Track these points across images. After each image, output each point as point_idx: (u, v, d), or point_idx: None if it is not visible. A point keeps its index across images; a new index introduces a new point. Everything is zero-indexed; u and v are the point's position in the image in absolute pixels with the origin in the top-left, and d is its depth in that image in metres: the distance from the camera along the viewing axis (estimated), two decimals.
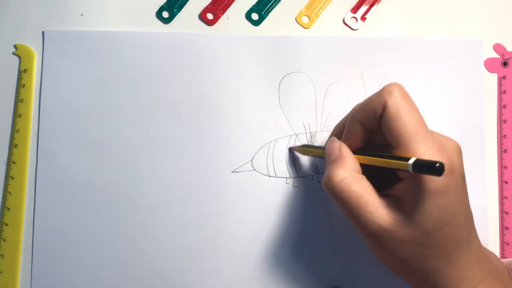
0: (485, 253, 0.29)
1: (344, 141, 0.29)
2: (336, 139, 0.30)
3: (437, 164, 0.23)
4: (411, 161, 0.24)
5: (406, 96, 0.27)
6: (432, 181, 0.25)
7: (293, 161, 0.36)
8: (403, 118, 0.26)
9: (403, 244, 0.26)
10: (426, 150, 0.25)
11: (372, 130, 0.29)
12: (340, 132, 0.31)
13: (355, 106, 0.30)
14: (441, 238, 0.26)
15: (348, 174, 0.27)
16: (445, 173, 0.25)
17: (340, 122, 0.32)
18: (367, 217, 0.26)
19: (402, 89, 0.27)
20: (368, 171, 0.28)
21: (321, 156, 0.31)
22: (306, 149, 0.34)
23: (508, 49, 0.38)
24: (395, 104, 0.26)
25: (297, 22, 0.37)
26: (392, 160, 0.26)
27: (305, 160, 0.36)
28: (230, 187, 0.35)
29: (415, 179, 0.26)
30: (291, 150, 0.36)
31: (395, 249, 0.26)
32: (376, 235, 0.26)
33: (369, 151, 0.29)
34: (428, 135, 0.26)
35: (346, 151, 0.28)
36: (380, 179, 0.28)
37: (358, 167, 0.28)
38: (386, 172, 0.29)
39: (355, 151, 0.29)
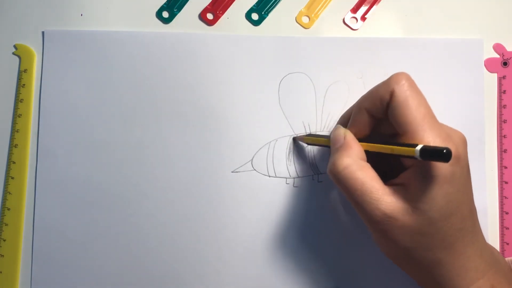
0: (488, 246, 0.29)
1: (350, 129, 0.30)
2: (341, 127, 0.30)
3: (445, 150, 0.23)
4: (418, 148, 0.24)
5: (413, 85, 0.27)
6: (439, 169, 0.25)
7: (293, 161, 0.36)
8: (410, 105, 0.26)
9: (407, 233, 0.26)
10: (432, 137, 0.25)
11: (378, 118, 0.29)
12: (346, 121, 0.31)
13: (362, 96, 0.30)
14: (446, 228, 0.26)
15: (353, 161, 0.27)
16: (451, 161, 0.25)
17: (346, 111, 0.32)
18: (372, 204, 0.26)
19: (409, 78, 0.27)
20: (373, 161, 0.28)
21: (325, 144, 0.31)
22: (310, 138, 0.34)
23: (508, 49, 0.38)
24: (403, 91, 0.27)
25: (297, 22, 0.37)
26: (399, 147, 0.26)
27: (305, 160, 0.36)
28: (230, 187, 0.35)
29: (421, 167, 0.26)
30: (295, 140, 0.36)
31: (398, 238, 0.26)
32: (380, 222, 0.26)
33: (375, 140, 0.29)
34: (435, 123, 0.26)
35: (351, 139, 0.28)
36: (384, 169, 0.28)
37: (363, 155, 0.28)
38: (391, 162, 0.29)
39: (360, 139, 0.29)
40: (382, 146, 0.27)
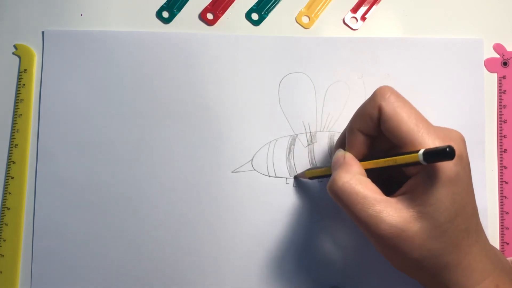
0: (491, 246, 0.29)
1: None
2: (342, 150, 0.30)
3: (448, 149, 0.23)
4: (421, 151, 0.24)
5: (398, 96, 0.27)
6: (444, 171, 0.25)
7: (293, 161, 0.36)
8: (401, 115, 0.26)
9: (416, 242, 0.25)
10: (432, 141, 0.25)
11: (372, 136, 0.29)
12: (343, 145, 0.31)
13: (351, 117, 0.30)
14: (452, 230, 0.26)
15: (353, 176, 0.27)
16: (455, 161, 0.25)
17: (341, 135, 0.32)
18: (376, 218, 0.25)
19: (393, 90, 0.27)
20: (373, 180, 0.28)
21: (327, 173, 0.31)
22: (311, 171, 0.34)
23: (508, 49, 0.38)
24: (390, 104, 0.27)
25: (297, 22, 0.37)
26: (402, 156, 0.25)
27: (305, 159, 0.36)
28: (230, 187, 0.35)
29: (425, 172, 0.25)
30: (296, 178, 0.35)
31: (408, 249, 0.26)
32: (387, 237, 0.26)
33: (375, 157, 0.29)
34: (430, 127, 0.26)
35: (350, 158, 0.28)
36: (386, 187, 0.28)
37: (363, 172, 0.28)
38: (393, 178, 0.28)
39: (361, 160, 0.29)
40: (384, 160, 0.27)
